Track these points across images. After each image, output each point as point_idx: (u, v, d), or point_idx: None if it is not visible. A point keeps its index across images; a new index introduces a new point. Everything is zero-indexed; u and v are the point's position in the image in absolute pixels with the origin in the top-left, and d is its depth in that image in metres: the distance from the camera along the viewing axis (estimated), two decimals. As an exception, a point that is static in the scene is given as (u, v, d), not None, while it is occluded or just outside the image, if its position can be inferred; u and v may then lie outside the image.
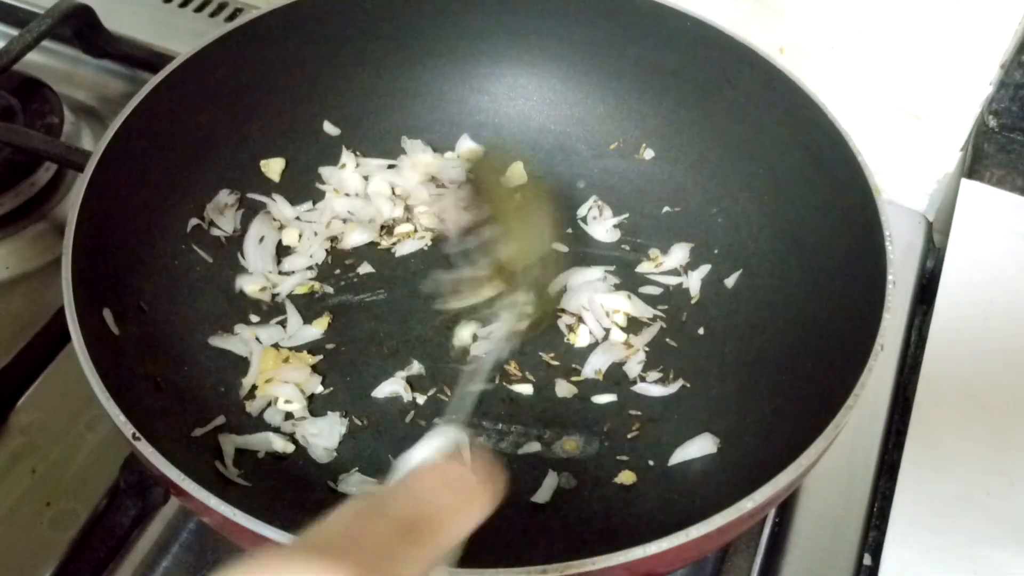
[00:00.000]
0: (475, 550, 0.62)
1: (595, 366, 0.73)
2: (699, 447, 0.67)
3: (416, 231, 0.80)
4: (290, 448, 0.66)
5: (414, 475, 0.36)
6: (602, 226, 0.81)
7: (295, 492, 0.64)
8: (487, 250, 0.67)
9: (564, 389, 0.71)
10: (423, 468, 0.37)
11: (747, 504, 0.49)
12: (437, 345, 0.73)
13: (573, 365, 0.73)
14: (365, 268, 0.77)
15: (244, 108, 0.77)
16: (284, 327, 0.73)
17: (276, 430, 0.67)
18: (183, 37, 0.93)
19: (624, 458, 0.68)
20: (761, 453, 0.63)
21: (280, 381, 0.69)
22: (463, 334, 0.74)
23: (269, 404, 0.69)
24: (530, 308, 0.65)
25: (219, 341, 0.71)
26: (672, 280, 0.77)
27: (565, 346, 0.74)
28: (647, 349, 0.74)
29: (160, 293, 0.69)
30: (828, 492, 0.70)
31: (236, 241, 0.76)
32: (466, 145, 0.84)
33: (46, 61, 0.96)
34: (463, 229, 0.70)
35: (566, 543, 0.62)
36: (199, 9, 1.05)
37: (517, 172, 0.80)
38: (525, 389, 0.71)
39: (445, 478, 0.35)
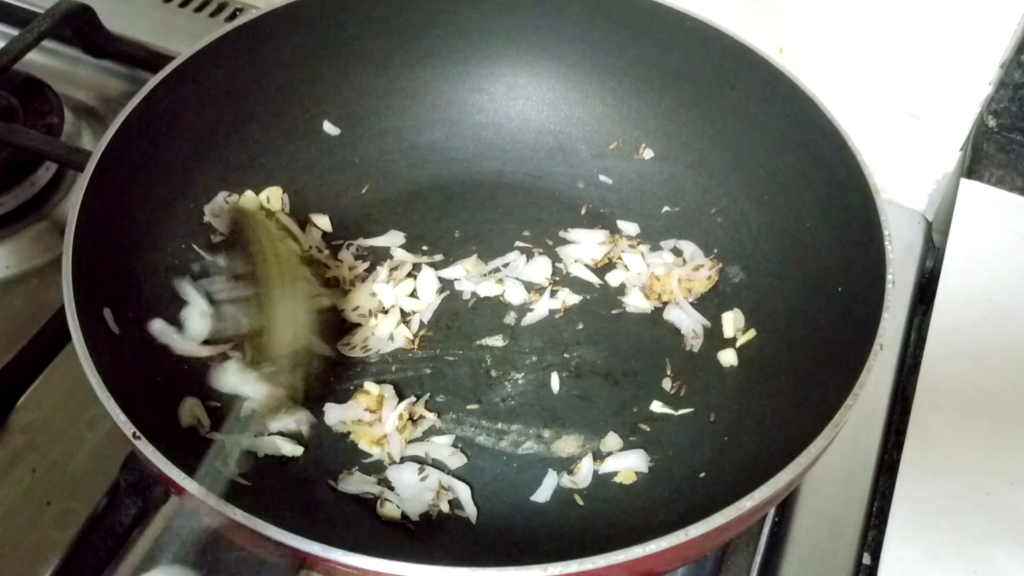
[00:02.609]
0: (475, 550, 0.63)
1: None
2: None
3: None
4: (299, 451, 0.66)
5: None
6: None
7: (295, 491, 0.64)
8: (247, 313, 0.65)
9: (562, 385, 0.72)
10: None
11: (746, 503, 0.49)
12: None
13: (573, 364, 0.73)
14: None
15: (244, 108, 0.77)
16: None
17: (280, 432, 0.67)
18: (183, 37, 0.93)
19: (624, 458, 0.68)
20: (761, 453, 0.63)
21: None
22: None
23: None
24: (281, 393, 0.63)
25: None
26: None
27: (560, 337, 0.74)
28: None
29: (160, 293, 0.69)
30: (828, 492, 0.70)
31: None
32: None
33: (46, 61, 0.96)
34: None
35: (566, 543, 0.62)
36: (199, 9, 1.05)
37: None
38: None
39: None
